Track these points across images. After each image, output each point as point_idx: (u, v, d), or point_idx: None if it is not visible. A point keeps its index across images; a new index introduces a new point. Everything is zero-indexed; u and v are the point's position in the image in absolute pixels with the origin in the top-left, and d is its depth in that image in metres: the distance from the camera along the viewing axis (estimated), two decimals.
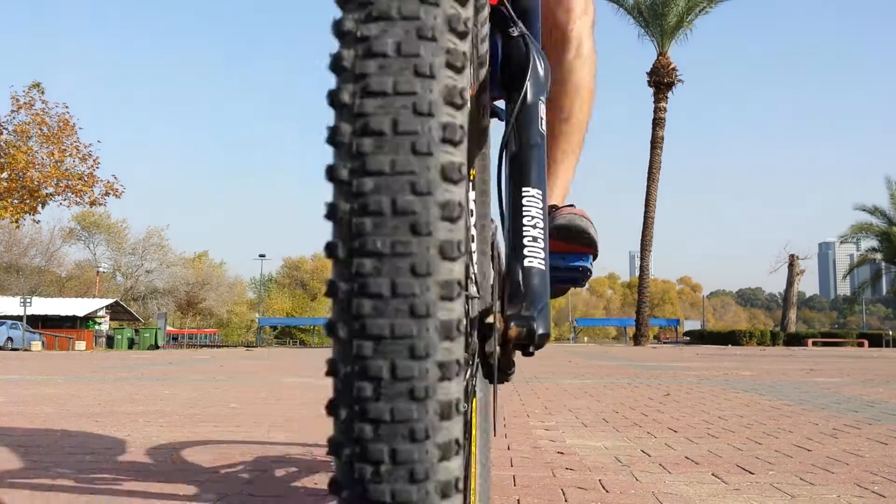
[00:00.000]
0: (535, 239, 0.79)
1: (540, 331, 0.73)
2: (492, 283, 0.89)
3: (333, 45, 0.44)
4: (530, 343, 0.73)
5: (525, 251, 0.78)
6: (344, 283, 0.39)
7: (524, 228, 0.79)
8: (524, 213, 0.80)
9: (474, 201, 0.91)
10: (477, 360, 0.74)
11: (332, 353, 0.43)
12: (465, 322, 0.45)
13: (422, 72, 0.41)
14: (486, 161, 0.94)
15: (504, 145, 0.86)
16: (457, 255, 0.40)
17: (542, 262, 0.78)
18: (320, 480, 1.89)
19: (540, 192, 0.82)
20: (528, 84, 0.86)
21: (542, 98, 0.88)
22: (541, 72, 0.88)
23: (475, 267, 0.83)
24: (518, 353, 0.76)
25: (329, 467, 2.05)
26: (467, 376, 0.67)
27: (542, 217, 0.81)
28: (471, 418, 0.78)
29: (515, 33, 0.89)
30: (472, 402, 0.78)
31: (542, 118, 0.87)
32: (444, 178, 0.40)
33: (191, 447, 2.45)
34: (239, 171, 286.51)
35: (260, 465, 2.10)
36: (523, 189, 0.82)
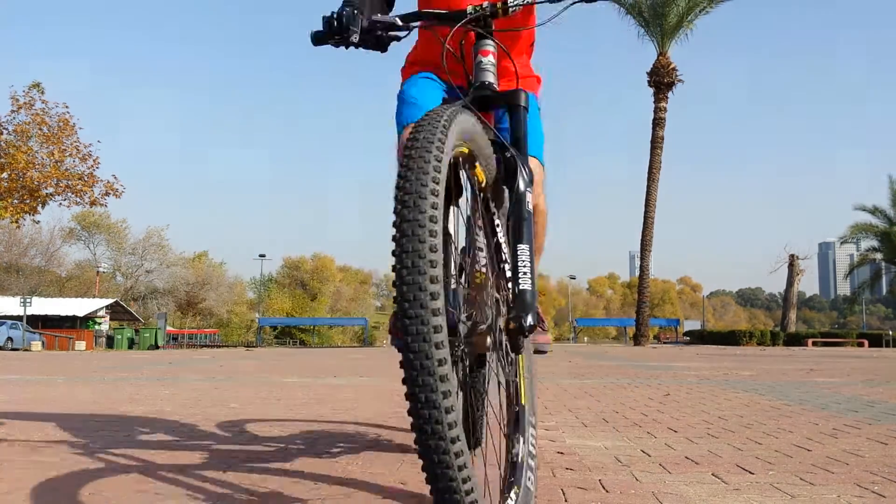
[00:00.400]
0: (525, 273, 1.35)
1: (527, 323, 1.30)
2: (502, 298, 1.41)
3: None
4: (522, 330, 1.30)
5: (520, 280, 1.34)
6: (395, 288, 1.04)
7: (520, 267, 1.35)
8: (519, 258, 1.37)
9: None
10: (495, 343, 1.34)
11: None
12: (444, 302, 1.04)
13: (423, 256, 1.02)
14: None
15: (508, 218, 1.44)
16: (439, 305, 1.01)
17: (530, 284, 1.34)
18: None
19: (528, 246, 1.38)
20: (518, 181, 1.44)
21: (529, 189, 1.45)
22: (525, 175, 1.46)
23: (499, 289, 1.38)
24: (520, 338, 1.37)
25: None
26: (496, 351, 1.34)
27: (529, 260, 1.37)
28: (519, 382, 1.43)
29: (509, 154, 1.47)
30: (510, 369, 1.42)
31: (528, 201, 1.43)
32: (430, 282, 1.01)
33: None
34: (239, 171, 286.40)
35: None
36: (518, 245, 1.38)
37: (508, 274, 1.39)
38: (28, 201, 27.53)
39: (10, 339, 29.00)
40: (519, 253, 1.37)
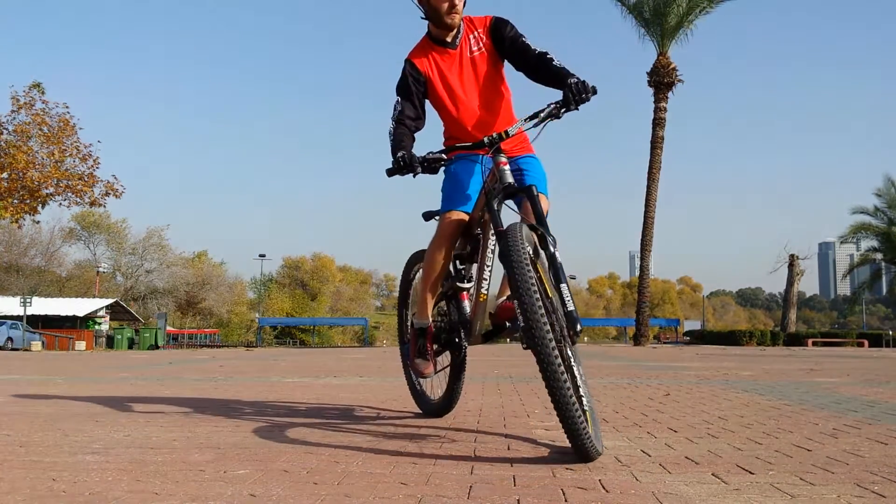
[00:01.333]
0: (569, 300, 2.23)
1: (577, 329, 2.23)
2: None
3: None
4: (576, 333, 2.23)
5: (567, 304, 2.23)
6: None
7: (565, 297, 2.24)
8: (563, 292, 2.24)
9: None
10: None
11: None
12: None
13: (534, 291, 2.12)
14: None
15: (548, 268, 2.32)
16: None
17: (573, 306, 2.22)
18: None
19: (566, 283, 2.25)
20: (549, 246, 2.32)
21: (556, 248, 2.32)
22: (551, 240, 2.33)
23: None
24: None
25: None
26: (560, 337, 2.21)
27: (569, 292, 2.24)
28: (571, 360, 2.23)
29: (540, 231, 2.36)
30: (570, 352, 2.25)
31: (558, 257, 2.31)
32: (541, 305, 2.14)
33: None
34: (240, 170, 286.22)
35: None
36: (560, 284, 2.25)
37: (559, 300, 2.25)
38: (28, 201, 27.53)
39: (10, 339, 28.99)
40: (562, 288, 2.23)
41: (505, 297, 2.78)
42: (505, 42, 2.85)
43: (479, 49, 2.89)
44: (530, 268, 2.13)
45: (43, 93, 27.96)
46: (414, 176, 2.56)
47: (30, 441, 2.62)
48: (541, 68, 2.73)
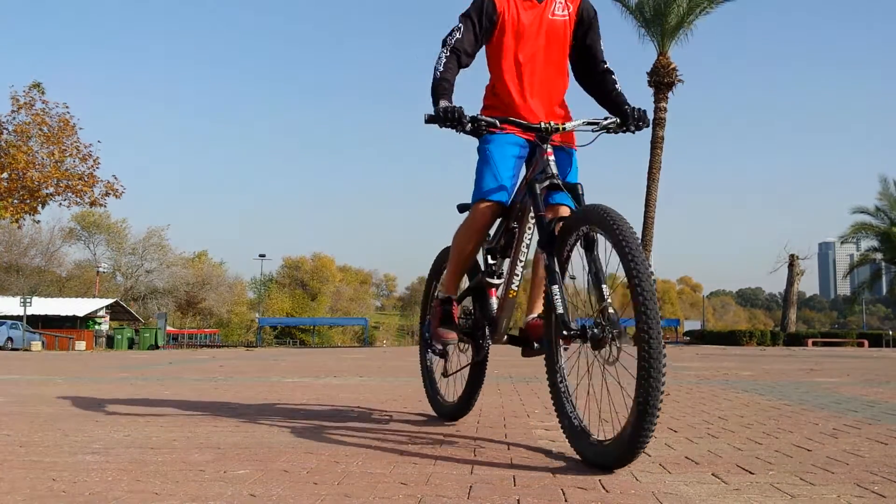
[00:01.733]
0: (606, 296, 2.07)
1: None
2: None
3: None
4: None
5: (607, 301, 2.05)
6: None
7: (605, 296, 2.06)
8: (604, 292, 2.08)
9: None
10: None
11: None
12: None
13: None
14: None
15: (590, 269, 2.15)
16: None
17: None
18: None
19: (606, 285, 2.09)
20: (595, 249, 2.15)
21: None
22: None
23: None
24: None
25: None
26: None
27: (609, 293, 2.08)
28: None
29: (587, 228, 2.16)
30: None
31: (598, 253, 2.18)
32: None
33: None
34: (240, 170, 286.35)
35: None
36: (602, 285, 2.08)
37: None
38: (28, 201, 27.53)
39: (10, 339, 28.99)
40: (603, 289, 2.09)
41: (536, 315, 2.58)
42: (586, 35, 2.71)
43: (564, 16, 2.66)
44: (649, 261, 2.07)
45: (43, 93, 27.95)
46: (458, 132, 2.41)
47: (30, 441, 2.62)
48: (601, 85, 2.72)
